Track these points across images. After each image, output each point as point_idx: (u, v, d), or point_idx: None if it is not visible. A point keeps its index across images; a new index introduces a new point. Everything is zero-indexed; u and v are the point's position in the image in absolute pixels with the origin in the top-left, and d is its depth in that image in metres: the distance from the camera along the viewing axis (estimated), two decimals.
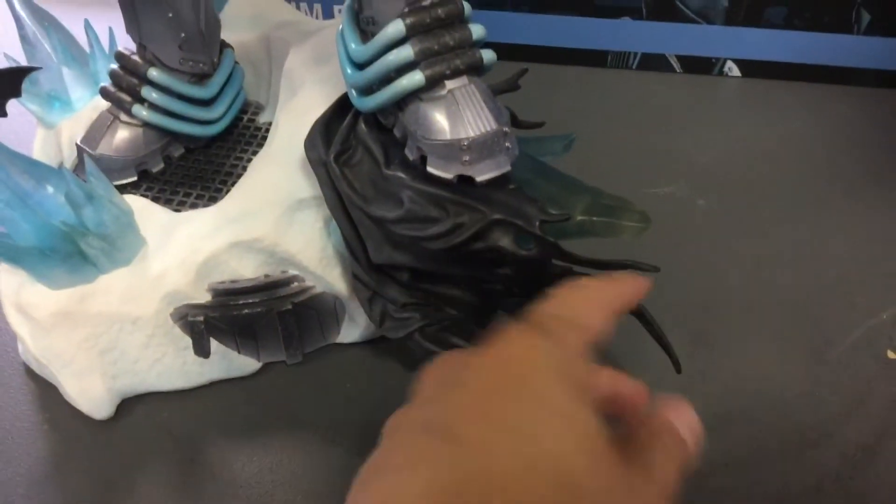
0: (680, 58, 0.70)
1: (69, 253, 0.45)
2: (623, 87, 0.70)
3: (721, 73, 0.70)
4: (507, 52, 0.70)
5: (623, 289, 0.33)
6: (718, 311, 0.52)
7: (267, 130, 0.57)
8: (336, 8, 0.71)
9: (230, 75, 0.55)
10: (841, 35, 0.66)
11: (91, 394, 0.46)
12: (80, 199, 0.44)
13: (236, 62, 0.56)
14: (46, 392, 0.48)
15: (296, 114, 0.49)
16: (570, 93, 0.69)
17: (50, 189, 0.46)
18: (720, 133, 0.65)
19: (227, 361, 0.48)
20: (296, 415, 0.47)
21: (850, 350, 0.49)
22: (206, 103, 0.53)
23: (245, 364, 0.49)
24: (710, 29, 0.67)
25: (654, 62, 0.70)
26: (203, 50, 0.52)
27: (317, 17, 0.71)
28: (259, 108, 0.59)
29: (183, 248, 0.46)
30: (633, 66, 0.71)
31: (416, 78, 0.38)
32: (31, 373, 0.49)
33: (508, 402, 0.26)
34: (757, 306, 0.52)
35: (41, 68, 0.50)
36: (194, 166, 0.55)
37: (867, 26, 0.65)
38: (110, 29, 0.58)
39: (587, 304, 0.31)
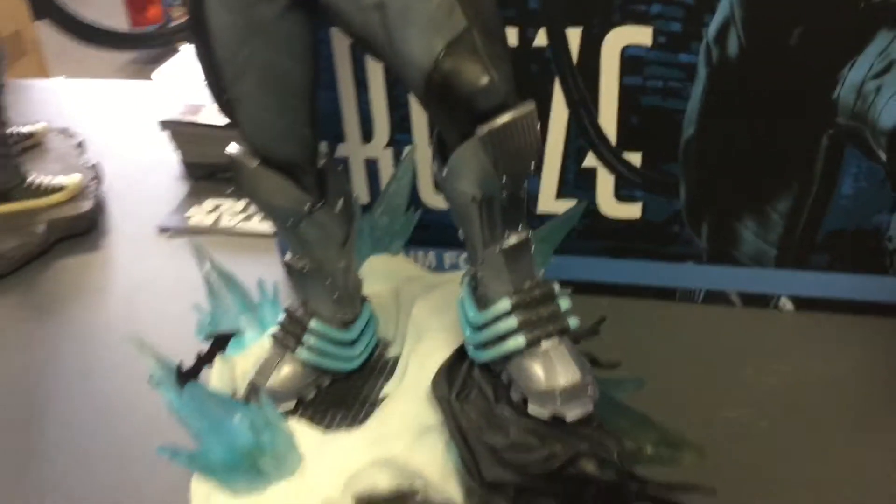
0: (739, 294, 0.82)
1: (248, 467, 0.58)
2: (689, 320, 0.82)
3: (777, 307, 0.81)
4: (590, 288, 0.83)
5: None
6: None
7: (395, 363, 0.71)
8: (446, 255, 0.86)
9: (367, 321, 0.70)
10: (878, 276, 0.77)
11: None
12: (260, 427, 0.58)
13: (372, 311, 0.71)
14: None
15: (422, 356, 0.63)
16: (642, 324, 0.81)
17: (237, 418, 0.59)
18: (778, 362, 0.75)
19: None
20: None
21: None
22: (349, 344, 0.68)
23: None
24: (764, 271, 0.79)
25: (716, 298, 0.82)
26: (349, 304, 0.67)
27: (429, 264, 0.87)
28: (388, 344, 0.73)
29: (334, 464, 0.59)
30: (699, 301, 0.83)
31: (519, 341, 0.51)
32: None
33: None
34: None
35: (242, 332, 0.65)
36: (338, 393, 0.68)
37: None
38: (275, 284, 0.74)
39: None
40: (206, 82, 0.52)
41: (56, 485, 0.68)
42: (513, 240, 0.50)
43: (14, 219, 1.00)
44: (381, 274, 0.75)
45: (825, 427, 0.68)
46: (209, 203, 1.07)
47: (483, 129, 0.45)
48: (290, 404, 0.66)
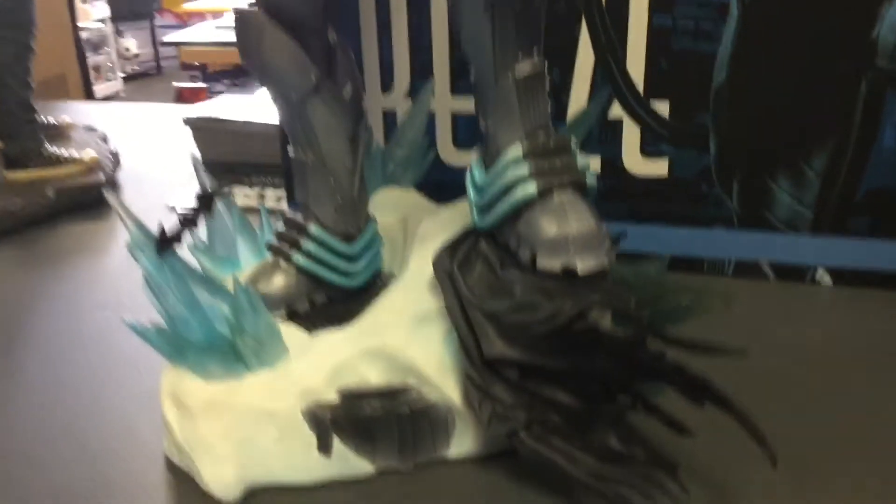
0: (773, 265, 0.76)
1: (225, 350, 0.53)
2: (718, 293, 0.75)
3: (813, 281, 0.75)
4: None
5: None
6: (823, 444, 0.53)
7: None
8: None
9: (372, 240, 0.65)
10: None
11: (223, 480, 0.51)
12: (244, 305, 0.52)
13: (377, 232, 0.66)
14: (183, 483, 0.53)
15: (425, 255, 0.58)
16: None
17: (219, 301, 0.54)
18: (814, 328, 0.69)
19: (346, 462, 0.52)
20: None
21: None
22: (349, 259, 0.63)
23: (360, 468, 0.53)
24: (799, 237, 0.74)
25: (747, 270, 0.77)
26: (353, 214, 0.63)
27: None
28: (392, 277, 0.68)
29: (320, 353, 0.53)
30: (729, 274, 0.77)
31: (529, 189, 0.47)
32: (170, 465, 0.54)
33: None
34: (863, 442, 0.53)
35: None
36: (332, 313, 0.63)
37: None
38: (282, 213, 0.70)
39: None
40: None
41: (28, 393, 0.63)
42: (526, 67, 0.47)
43: (27, 183, 0.98)
44: (390, 205, 0.71)
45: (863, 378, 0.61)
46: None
47: None
48: (280, 313, 0.61)
